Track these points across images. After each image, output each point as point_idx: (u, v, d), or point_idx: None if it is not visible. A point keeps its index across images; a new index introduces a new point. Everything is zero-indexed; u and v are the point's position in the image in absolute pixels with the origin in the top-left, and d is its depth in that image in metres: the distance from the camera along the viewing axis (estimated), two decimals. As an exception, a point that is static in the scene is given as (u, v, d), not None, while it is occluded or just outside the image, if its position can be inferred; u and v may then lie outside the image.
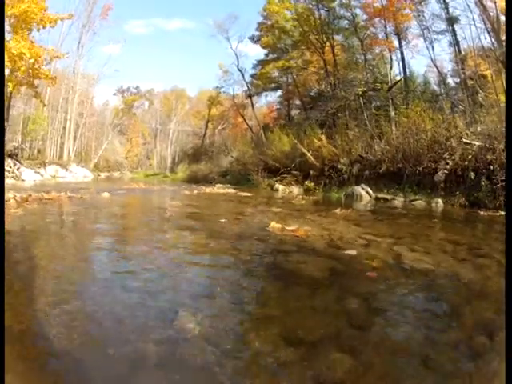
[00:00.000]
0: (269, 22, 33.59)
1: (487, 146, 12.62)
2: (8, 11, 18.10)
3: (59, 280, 3.89)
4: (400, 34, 25.63)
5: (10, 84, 19.26)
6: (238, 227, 7.70)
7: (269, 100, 43.13)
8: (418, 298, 3.62)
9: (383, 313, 3.21)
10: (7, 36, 18.38)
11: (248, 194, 15.73)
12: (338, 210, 10.03)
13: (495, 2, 18.18)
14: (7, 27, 18.83)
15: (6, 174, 22.33)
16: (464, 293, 3.78)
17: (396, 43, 26.11)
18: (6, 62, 17.30)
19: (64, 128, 41.61)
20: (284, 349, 2.51)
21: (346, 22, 28.14)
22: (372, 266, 4.50)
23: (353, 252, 5.10)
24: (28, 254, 5.11)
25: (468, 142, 13.40)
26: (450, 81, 27.52)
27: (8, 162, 24.70)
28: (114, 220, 9.10)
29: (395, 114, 21.87)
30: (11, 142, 31.08)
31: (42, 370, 2.29)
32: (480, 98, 19.29)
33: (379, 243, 5.75)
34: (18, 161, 27.16)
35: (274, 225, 6.84)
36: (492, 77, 20.74)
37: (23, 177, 24.75)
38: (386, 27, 26.05)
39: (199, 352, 2.48)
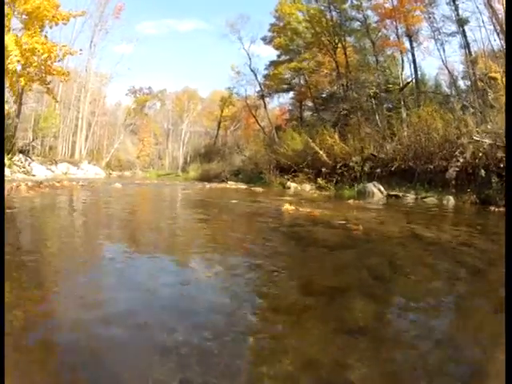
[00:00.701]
0: (281, 24, 33.64)
1: (497, 143, 12.66)
2: (20, 7, 18.35)
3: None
4: (411, 35, 25.67)
5: (21, 79, 19.39)
6: (250, 208, 7.83)
7: (281, 101, 43.19)
8: (437, 260, 3.74)
9: (404, 270, 3.34)
10: (19, 33, 18.62)
11: (260, 189, 15.94)
12: (350, 201, 10.18)
13: (503, 4, 18.21)
14: (19, 24, 19.09)
15: (17, 168, 22.56)
16: (483, 257, 3.90)
17: (407, 45, 26.17)
18: (18, 57, 17.49)
19: (76, 126, 41.72)
20: (304, 296, 2.61)
21: (358, 23, 28.21)
22: (387, 236, 4.64)
23: (367, 226, 5.23)
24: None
25: (478, 139, 13.45)
26: (461, 83, 27.52)
27: (19, 157, 24.91)
28: (127, 200, 9.28)
29: (407, 115, 21.90)
30: (22, 139, 31.29)
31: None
32: (490, 98, 19.27)
33: (393, 223, 5.90)
34: (29, 157, 27.36)
35: (288, 207, 6.95)
36: (502, 78, 20.73)
37: (34, 172, 24.89)
38: (397, 29, 26.07)
39: (215, 298, 2.61)
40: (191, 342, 1.95)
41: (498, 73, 21.48)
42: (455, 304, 2.68)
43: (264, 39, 36.12)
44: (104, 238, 4.39)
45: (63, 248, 3.65)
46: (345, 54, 27.55)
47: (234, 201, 8.75)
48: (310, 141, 20.26)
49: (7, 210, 5.52)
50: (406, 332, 2.20)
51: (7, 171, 18.38)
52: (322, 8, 28.70)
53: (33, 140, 33.42)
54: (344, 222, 5.61)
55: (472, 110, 19.68)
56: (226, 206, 7.71)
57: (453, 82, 26.50)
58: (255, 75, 36.07)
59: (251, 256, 3.71)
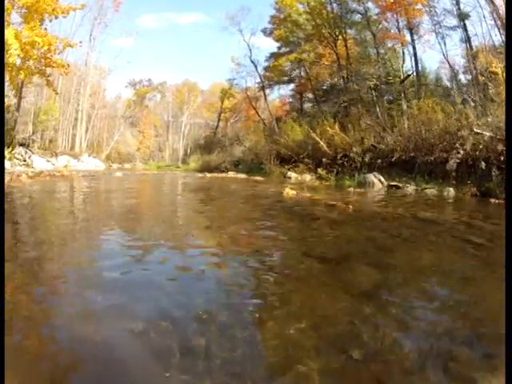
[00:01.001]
0: (281, 15, 33.57)
1: (498, 136, 12.67)
2: (20, 1, 18.31)
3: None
4: (412, 28, 25.63)
5: (21, 72, 19.36)
6: (250, 192, 7.91)
7: (281, 93, 43.25)
8: (439, 235, 3.78)
9: (405, 241, 3.38)
10: (18, 27, 18.58)
11: (260, 178, 16.07)
12: (351, 189, 10.23)
13: (504, -1, 18.19)
14: (19, 19, 19.05)
15: (17, 161, 22.59)
16: (482, 233, 3.94)
17: (408, 38, 26.13)
18: (18, 51, 17.47)
19: (76, 119, 41.67)
20: (310, 263, 2.67)
21: (359, 15, 28.13)
22: (389, 215, 4.68)
23: (369, 209, 5.28)
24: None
25: (479, 131, 13.46)
26: (462, 77, 27.47)
27: (19, 150, 24.93)
28: (130, 185, 9.34)
29: (407, 107, 21.92)
30: (22, 133, 31.26)
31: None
32: (491, 92, 19.29)
33: (395, 206, 5.96)
34: (29, 150, 27.36)
35: (289, 191, 6.99)
36: (503, 73, 20.74)
37: (34, 165, 24.90)
38: (398, 21, 26.05)
39: (222, 263, 2.67)
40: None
41: (499, 68, 21.52)
42: (458, 269, 2.73)
43: (264, 31, 36.11)
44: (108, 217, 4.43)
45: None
46: (345, 46, 27.47)
47: (234, 186, 8.83)
48: (311, 131, 20.30)
49: (8, 194, 5.55)
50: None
51: (8, 164, 18.42)
52: (323, 0, 28.63)
53: (33, 133, 33.36)
54: (345, 204, 5.67)
55: (472, 104, 19.71)
56: (227, 191, 7.78)
57: (454, 76, 26.47)
58: (255, 66, 36.06)
59: (256, 229, 3.76)
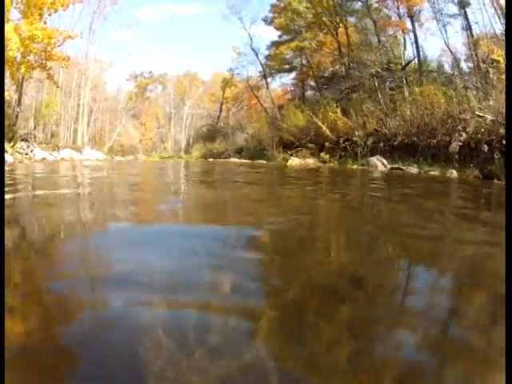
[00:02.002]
0: (281, 4, 33.52)
1: (500, 120, 12.67)
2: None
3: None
4: (413, 16, 25.57)
5: (22, 67, 19.37)
6: (257, 165, 8.06)
7: (283, 82, 43.06)
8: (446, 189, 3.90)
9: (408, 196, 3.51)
10: (18, 22, 18.57)
11: (263, 162, 16.27)
12: (354, 166, 10.34)
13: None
14: (18, 14, 19.06)
15: (20, 156, 22.65)
16: (486, 194, 4.05)
17: (409, 25, 26.10)
18: (18, 45, 17.47)
19: (77, 113, 41.59)
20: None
21: (359, 3, 28.10)
22: (395, 176, 4.80)
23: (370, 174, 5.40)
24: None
25: (481, 114, 13.49)
26: (464, 65, 27.38)
27: (21, 144, 24.98)
28: (134, 166, 9.45)
29: (409, 93, 21.87)
30: (24, 128, 31.24)
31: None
32: (491, 77, 19.31)
33: (400, 175, 6.05)
34: (31, 144, 27.37)
35: (293, 162, 7.11)
36: (504, 60, 20.65)
37: (36, 158, 24.97)
38: (398, 9, 26.05)
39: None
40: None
41: (501, 56, 21.49)
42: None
43: (265, 20, 35.99)
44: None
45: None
46: (346, 33, 27.41)
47: (241, 165, 9.06)
48: (313, 116, 20.36)
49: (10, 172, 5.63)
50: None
51: (10, 158, 18.47)
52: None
53: (34, 128, 33.36)
54: (348, 172, 5.86)
55: (474, 91, 19.67)
56: (233, 164, 8.01)
57: (455, 63, 26.40)
58: (256, 54, 35.97)
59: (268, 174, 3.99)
